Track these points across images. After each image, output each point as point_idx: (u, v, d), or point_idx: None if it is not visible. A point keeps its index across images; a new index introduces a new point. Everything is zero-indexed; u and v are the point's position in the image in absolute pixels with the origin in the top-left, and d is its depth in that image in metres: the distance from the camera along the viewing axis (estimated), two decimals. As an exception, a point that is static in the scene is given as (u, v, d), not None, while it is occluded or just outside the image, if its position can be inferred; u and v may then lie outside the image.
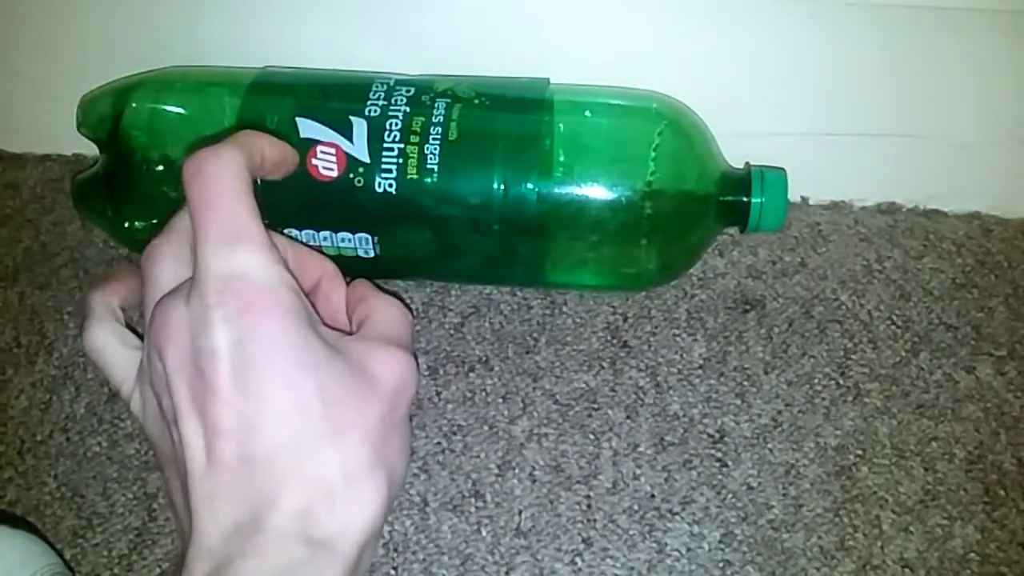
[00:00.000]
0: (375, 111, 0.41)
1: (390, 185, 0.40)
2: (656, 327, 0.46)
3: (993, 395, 0.44)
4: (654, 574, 0.39)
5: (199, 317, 0.27)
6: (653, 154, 0.41)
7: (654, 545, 0.40)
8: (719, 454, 0.42)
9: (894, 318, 0.46)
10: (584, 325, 0.46)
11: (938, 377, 0.44)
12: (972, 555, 0.40)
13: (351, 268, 0.37)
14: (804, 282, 0.47)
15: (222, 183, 0.28)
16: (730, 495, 0.41)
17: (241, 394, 0.27)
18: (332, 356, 0.28)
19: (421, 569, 0.40)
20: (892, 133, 0.47)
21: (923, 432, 0.43)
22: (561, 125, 0.42)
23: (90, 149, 0.45)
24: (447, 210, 0.41)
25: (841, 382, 0.44)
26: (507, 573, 0.39)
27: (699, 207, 0.43)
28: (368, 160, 0.40)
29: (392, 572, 0.40)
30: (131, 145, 0.42)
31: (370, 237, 0.41)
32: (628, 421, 0.43)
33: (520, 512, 0.41)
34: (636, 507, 0.41)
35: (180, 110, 0.43)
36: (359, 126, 0.41)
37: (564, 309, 0.46)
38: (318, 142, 0.40)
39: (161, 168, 0.42)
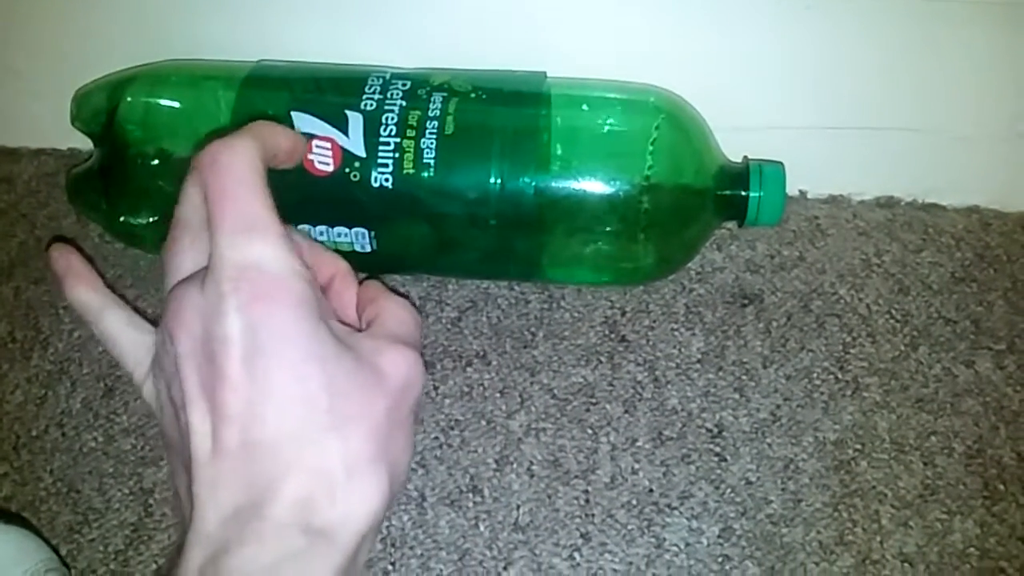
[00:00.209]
0: (371, 105, 0.41)
1: (386, 180, 0.40)
2: (654, 321, 0.45)
3: (992, 389, 0.44)
4: (652, 569, 0.39)
5: (213, 304, 0.28)
6: (650, 148, 0.41)
7: (652, 540, 0.40)
8: (717, 448, 0.42)
9: (893, 312, 0.46)
10: (582, 319, 0.45)
11: (937, 371, 0.44)
12: (971, 549, 0.40)
13: (348, 263, 0.37)
14: (802, 276, 0.47)
15: (237, 174, 0.29)
16: (729, 490, 0.41)
17: (249, 381, 0.27)
18: (341, 349, 0.29)
19: (419, 564, 0.39)
20: (891, 127, 0.47)
21: (922, 426, 0.43)
22: (558, 119, 0.41)
23: (85, 143, 0.45)
24: (444, 205, 0.40)
25: (840, 376, 0.44)
26: (505, 568, 0.39)
27: (697, 201, 0.43)
28: (364, 154, 0.40)
29: (390, 567, 0.39)
30: (126, 139, 0.42)
31: (366, 232, 0.41)
32: (626, 415, 0.43)
33: (518, 507, 0.41)
34: (634, 502, 0.41)
35: (175, 104, 0.43)
36: (355, 120, 0.40)
37: (562, 303, 0.46)
38: (313, 136, 0.40)
39: (156, 162, 0.42)
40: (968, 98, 0.46)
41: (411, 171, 0.40)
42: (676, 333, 0.45)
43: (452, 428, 0.42)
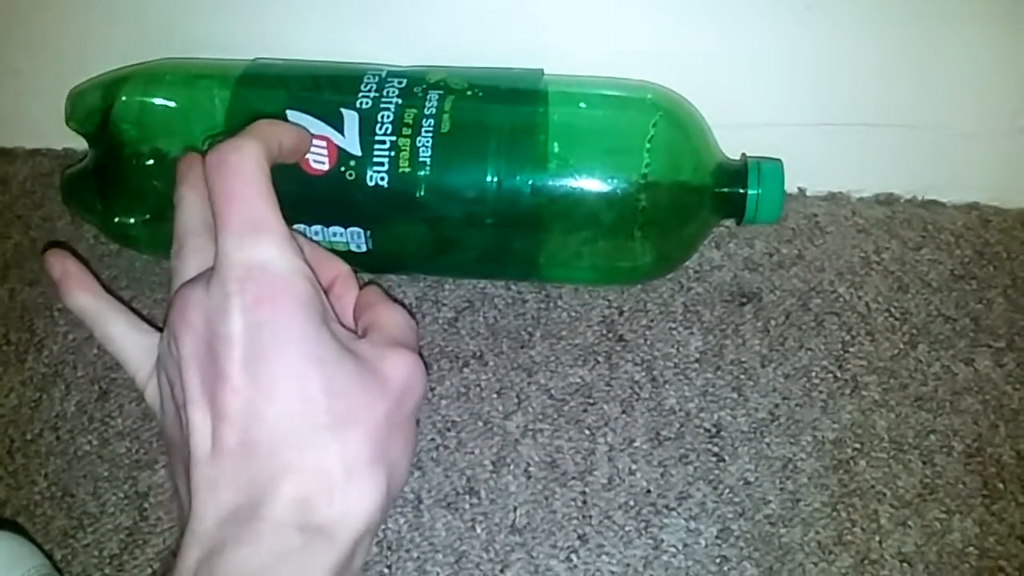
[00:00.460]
0: (366, 103, 0.40)
1: (382, 178, 0.40)
2: (652, 321, 0.45)
3: (992, 387, 0.43)
4: (650, 570, 0.39)
5: (217, 303, 0.28)
6: (648, 146, 0.41)
7: (650, 541, 0.40)
8: (716, 448, 0.42)
9: (892, 310, 0.45)
10: (579, 319, 0.45)
11: (936, 369, 0.44)
12: (971, 549, 0.39)
13: (349, 266, 0.37)
14: (801, 274, 0.47)
15: (244, 176, 0.29)
16: (727, 490, 0.41)
17: (250, 382, 0.27)
18: (343, 352, 0.29)
19: (415, 567, 0.39)
20: (890, 123, 0.47)
21: (921, 425, 0.42)
22: (555, 116, 0.41)
23: (80, 143, 0.45)
24: (440, 204, 0.40)
25: (839, 375, 0.44)
26: (502, 571, 0.39)
27: (695, 199, 0.42)
28: (359, 153, 0.40)
29: (386, 571, 0.39)
30: (121, 139, 0.42)
31: (362, 231, 0.41)
32: (624, 416, 0.43)
33: (515, 509, 0.40)
34: (632, 503, 0.40)
35: (170, 103, 0.42)
36: (350, 118, 0.40)
37: (559, 303, 0.46)
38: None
39: (151, 162, 0.42)
40: (967, 94, 0.46)
41: (407, 170, 0.40)
42: (674, 332, 0.45)
43: (449, 429, 0.42)
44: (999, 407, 0.43)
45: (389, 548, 0.40)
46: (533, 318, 0.45)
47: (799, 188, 0.50)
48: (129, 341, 0.34)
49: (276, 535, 0.27)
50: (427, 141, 0.40)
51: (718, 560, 0.39)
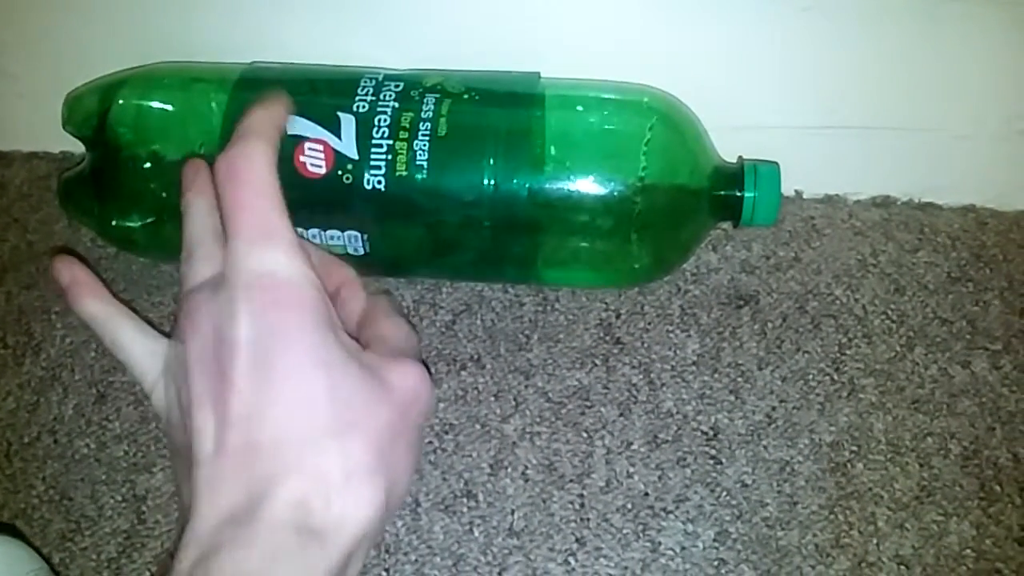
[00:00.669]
0: (363, 107, 0.40)
1: (379, 182, 0.40)
2: (649, 323, 0.45)
3: (988, 390, 0.43)
4: (648, 573, 0.39)
5: (225, 309, 0.28)
6: (644, 149, 0.41)
7: (648, 544, 0.40)
8: (713, 451, 0.42)
9: (889, 312, 0.46)
10: (576, 322, 0.45)
11: (933, 372, 0.44)
12: (968, 551, 0.39)
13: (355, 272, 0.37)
14: (798, 277, 0.47)
15: (255, 185, 0.30)
16: (724, 493, 0.41)
17: (255, 386, 0.28)
18: (348, 358, 0.29)
19: (413, 570, 0.39)
20: (887, 126, 0.47)
21: (918, 428, 0.42)
22: (552, 120, 0.41)
23: (78, 147, 0.45)
24: (437, 207, 0.40)
25: (836, 377, 0.44)
26: (500, 573, 0.39)
27: (691, 202, 0.42)
28: (356, 156, 0.40)
29: (384, 573, 0.39)
30: (118, 142, 0.42)
31: (359, 235, 0.41)
32: (621, 419, 0.43)
33: (513, 512, 0.40)
34: (630, 506, 0.41)
35: (167, 106, 0.42)
36: (347, 122, 0.40)
37: (556, 306, 0.46)
38: (305, 139, 0.40)
39: (148, 165, 0.42)
40: (964, 97, 0.46)
41: (404, 173, 0.40)
42: (671, 335, 0.45)
43: (446, 432, 0.42)
44: (996, 409, 0.43)
45: (387, 551, 0.40)
46: (530, 321, 0.45)
47: (796, 191, 0.50)
48: (137, 346, 0.34)
49: (272, 537, 0.27)
50: (424, 145, 0.40)
51: (716, 563, 0.39)
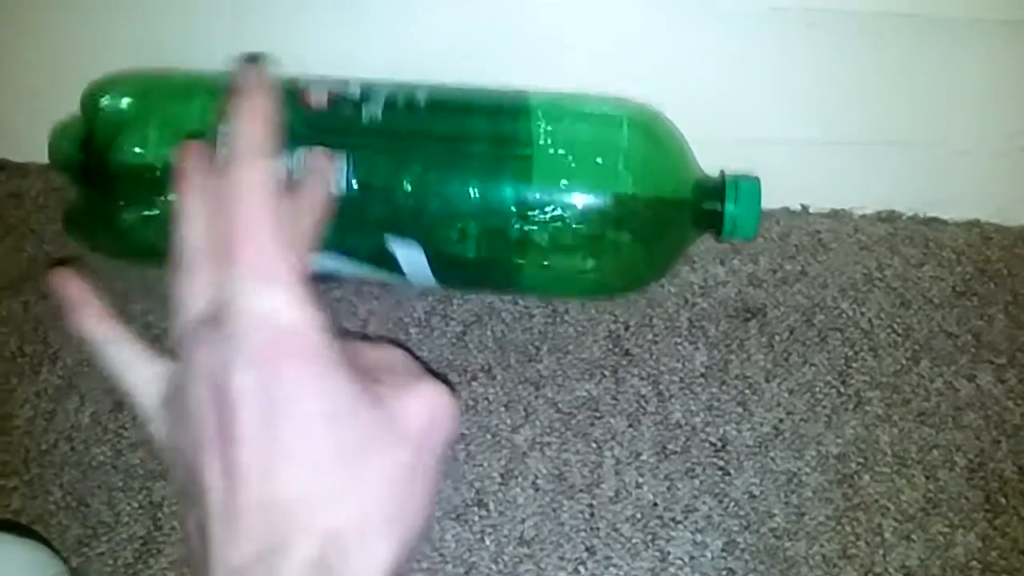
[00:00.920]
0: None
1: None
2: (658, 335, 0.46)
3: (994, 403, 0.44)
4: (657, 582, 0.40)
5: (223, 358, 0.27)
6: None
7: (657, 553, 0.40)
8: (721, 462, 0.42)
9: (895, 326, 0.46)
10: (586, 333, 0.46)
11: (939, 385, 0.44)
12: (974, 563, 0.40)
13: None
14: (805, 290, 0.47)
15: (258, 213, 0.28)
16: (732, 503, 0.41)
17: (262, 440, 0.27)
18: (356, 403, 0.28)
19: (425, 578, 0.40)
20: (891, 141, 0.47)
21: (924, 440, 0.43)
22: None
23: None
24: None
25: (842, 390, 0.44)
26: (511, 582, 0.40)
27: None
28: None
29: (396, 581, 0.40)
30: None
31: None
32: (630, 430, 0.43)
33: (523, 521, 0.41)
34: (639, 515, 0.41)
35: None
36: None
37: (566, 318, 0.46)
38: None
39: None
40: (968, 112, 0.46)
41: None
42: (679, 347, 0.45)
43: (457, 442, 0.43)
44: (1001, 422, 0.43)
45: (399, 559, 0.40)
46: (540, 332, 0.46)
47: (802, 205, 0.50)
48: (131, 373, 0.32)
49: None
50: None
51: (724, 573, 0.40)
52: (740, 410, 0.44)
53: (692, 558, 0.40)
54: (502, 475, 0.42)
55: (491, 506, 0.41)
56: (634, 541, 0.40)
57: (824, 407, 0.44)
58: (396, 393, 0.29)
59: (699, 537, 0.40)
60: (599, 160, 0.41)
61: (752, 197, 0.43)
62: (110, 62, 0.46)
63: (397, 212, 0.41)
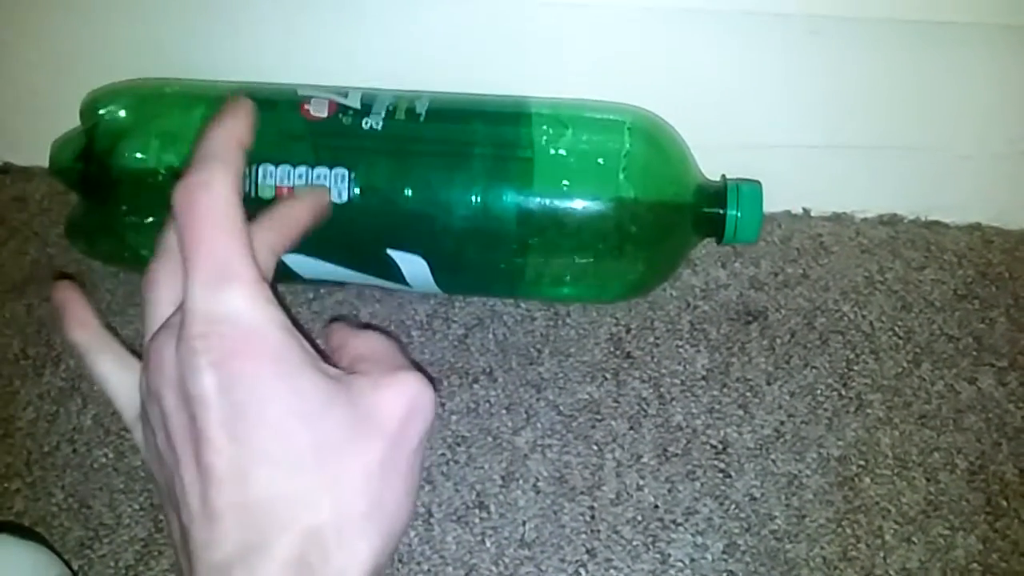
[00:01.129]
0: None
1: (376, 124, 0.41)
2: (659, 338, 0.46)
3: (995, 406, 0.44)
4: (658, 585, 0.40)
5: (186, 361, 0.27)
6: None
7: (657, 556, 0.40)
8: (722, 465, 0.42)
9: (896, 329, 0.46)
10: (587, 336, 0.46)
11: (940, 388, 0.44)
12: (974, 565, 0.40)
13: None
14: (806, 293, 0.47)
15: (214, 219, 0.28)
16: (733, 506, 0.41)
17: (233, 442, 0.27)
18: (328, 399, 0.28)
19: (426, 580, 0.40)
20: (893, 145, 0.48)
21: (925, 443, 0.43)
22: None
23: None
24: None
25: (843, 393, 0.44)
26: (511, 584, 0.40)
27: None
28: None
29: (397, 583, 0.40)
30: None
31: (346, 172, 0.41)
32: (631, 432, 0.43)
33: (524, 523, 0.41)
34: (639, 518, 0.41)
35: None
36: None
37: (567, 320, 0.46)
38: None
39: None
40: (970, 117, 0.46)
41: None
42: (681, 350, 0.45)
43: (459, 444, 0.43)
44: (1002, 425, 0.43)
45: (400, 561, 0.40)
46: (542, 335, 0.46)
47: (804, 208, 0.50)
48: (114, 380, 0.32)
49: None
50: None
51: (724, 575, 0.40)
52: (741, 413, 0.44)
53: (693, 560, 0.40)
54: (503, 477, 0.42)
55: (492, 508, 0.41)
56: (635, 543, 0.40)
57: (825, 410, 0.44)
58: (373, 386, 0.29)
59: (700, 539, 0.40)
60: (600, 166, 0.42)
61: (754, 201, 0.43)
62: (113, 64, 0.46)
63: (399, 220, 0.41)
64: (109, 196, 0.42)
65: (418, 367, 0.31)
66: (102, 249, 0.46)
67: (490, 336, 0.46)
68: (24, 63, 0.50)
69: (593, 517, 0.41)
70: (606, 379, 0.45)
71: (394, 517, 0.29)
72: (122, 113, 0.43)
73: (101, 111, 0.43)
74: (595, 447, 0.43)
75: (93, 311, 0.34)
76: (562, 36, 0.45)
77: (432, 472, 0.42)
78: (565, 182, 0.41)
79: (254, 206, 0.31)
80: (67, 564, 0.40)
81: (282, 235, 0.33)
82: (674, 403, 0.44)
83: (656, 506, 0.41)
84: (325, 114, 0.41)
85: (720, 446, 0.43)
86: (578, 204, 0.41)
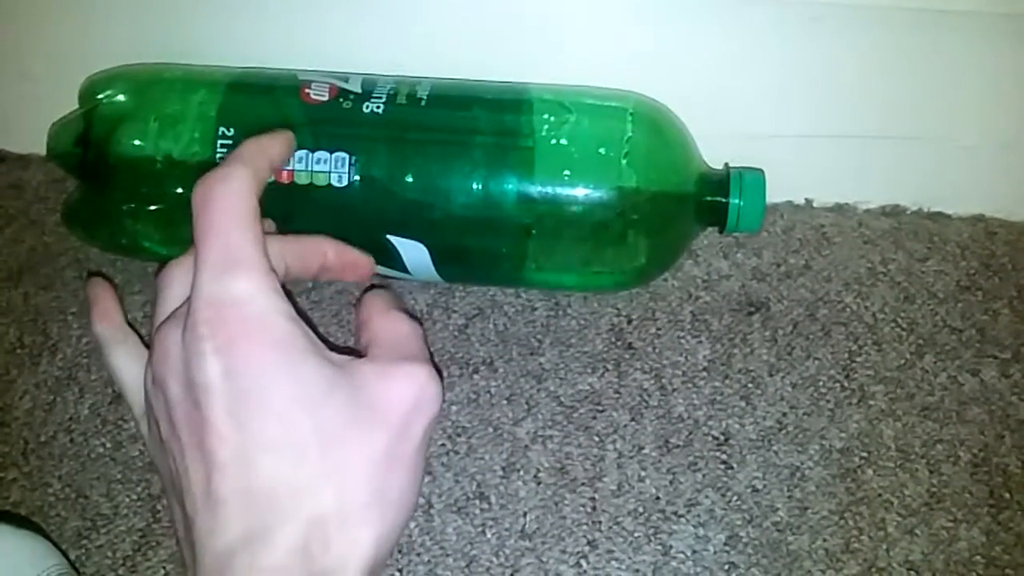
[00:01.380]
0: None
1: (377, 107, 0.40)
2: (660, 329, 0.46)
3: (998, 397, 0.44)
4: (659, 576, 0.39)
5: (191, 347, 0.27)
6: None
7: (659, 547, 0.40)
8: (724, 456, 0.42)
9: (899, 320, 0.46)
10: (588, 327, 0.46)
11: (943, 379, 0.44)
12: (977, 557, 0.40)
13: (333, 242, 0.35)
14: (808, 284, 0.47)
15: (228, 209, 0.28)
16: (735, 497, 0.41)
17: (236, 429, 0.27)
18: (332, 387, 0.28)
19: (426, 571, 0.40)
20: (896, 135, 0.47)
21: (928, 435, 0.43)
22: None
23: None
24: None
25: (846, 384, 0.44)
26: (512, 575, 0.39)
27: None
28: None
29: (397, 574, 0.40)
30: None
31: (347, 157, 0.40)
32: (633, 423, 0.43)
33: (525, 514, 0.41)
34: (641, 509, 0.41)
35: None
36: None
37: (568, 311, 0.46)
38: None
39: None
40: (973, 107, 0.46)
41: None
42: (682, 341, 0.45)
43: (459, 435, 0.43)
44: (1005, 417, 0.43)
45: (400, 552, 0.40)
46: (543, 326, 0.46)
47: (806, 199, 0.50)
48: (126, 373, 0.33)
49: None
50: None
51: (726, 567, 0.40)
52: (743, 404, 0.43)
53: (694, 552, 0.40)
54: (504, 468, 0.42)
55: (492, 499, 0.41)
56: (636, 535, 0.40)
57: (827, 401, 0.44)
58: (379, 375, 0.29)
59: (701, 531, 0.40)
60: (602, 153, 0.41)
61: (756, 190, 0.42)
62: (111, 52, 0.46)
63: (399, 207, 0.41)
64: (108, 181, 0.42)
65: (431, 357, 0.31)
66: (99, 236, 0.45)
67: (491, 326, 0.46)
68: (20, 49, 0.50)
69: (594, 508, 0.41)
70: (607, 370, 0.44)
71: (396, 508, 0.29)
72: (121, 97, 0.42)
73: (100, 96, 0.43)
74: (596, 438, 0.43)
75: (119, 307, 0.35)
76: (564, 23, 0.45)
77: (432, 463, 0.42)
78: (567, 169, 0.40)
79: None
80: (64, 554, 0.39)
81: (298, 254, 0.33)
82: (676, 394, 0.44)
83: (658, 497, 0.41)
84: (326, 98, 0.41)
85: (722, 437, 0.43)
86: (580, 191, 0.40)
